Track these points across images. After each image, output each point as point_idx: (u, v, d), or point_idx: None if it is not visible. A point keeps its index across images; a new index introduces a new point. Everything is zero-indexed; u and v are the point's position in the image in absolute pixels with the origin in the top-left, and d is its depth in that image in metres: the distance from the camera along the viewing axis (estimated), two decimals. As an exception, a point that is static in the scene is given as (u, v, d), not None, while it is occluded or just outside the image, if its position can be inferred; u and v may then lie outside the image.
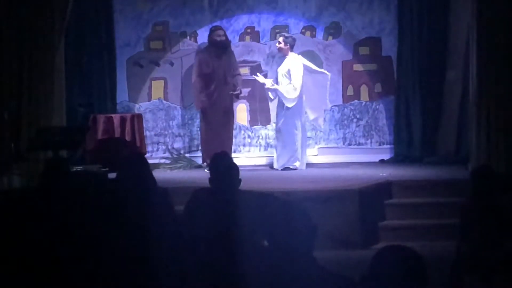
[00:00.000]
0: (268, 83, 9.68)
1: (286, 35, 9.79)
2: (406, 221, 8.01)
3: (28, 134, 8.45)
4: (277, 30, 10.59)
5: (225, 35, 9.86)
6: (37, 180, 5.04)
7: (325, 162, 10.45)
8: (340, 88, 10.79)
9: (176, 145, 10.69)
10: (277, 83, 9.63)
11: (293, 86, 9.43)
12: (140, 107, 10.76)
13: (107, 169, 8.38)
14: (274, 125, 10.17)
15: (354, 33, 10.75)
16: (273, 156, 9.91)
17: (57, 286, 4.17)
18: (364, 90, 10.80)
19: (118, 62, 10.65)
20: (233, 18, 10.76)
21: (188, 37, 10.76)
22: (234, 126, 10.24)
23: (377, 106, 10.78)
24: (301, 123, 9.62)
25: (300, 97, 9.53)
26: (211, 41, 9.71)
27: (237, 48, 10.64)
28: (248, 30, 10.81)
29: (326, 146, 10.77)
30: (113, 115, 9.78)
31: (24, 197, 5.08)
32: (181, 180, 8.78)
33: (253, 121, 10.83)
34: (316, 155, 10.66)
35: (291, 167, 9.58)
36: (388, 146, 10.74)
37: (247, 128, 10.83)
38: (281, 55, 9.81)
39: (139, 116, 10.02)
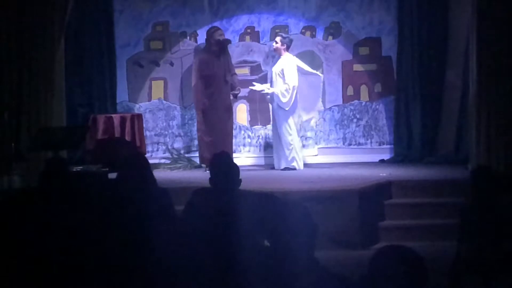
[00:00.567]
0: (265, 88, 9.71)
1: (284, 35, 9.82)
2: (406, 221, 8.01)
3: (28, 134, 8.45)
4: (277, 30, 10.59)
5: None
6: (37, 180, 5.02)
7: (325, 162, 10.45)
8: (340, 88, 10.79)
9: (176, 145, 10.70)
10: (271, 82, 9.68)
11: (287, 86, 9.46)
12: (140, 107, 10.77)
13: (107, 169, 8.38)
14: (273, 125, 10.19)
15: (354, 33, 10.75)
16: (273, 156, 9.92)
17: (57, 286, 4.17)
18: (364, 90, 10.80)
19: (118, 62, 10.67)
20: (233, 18, 10.77)
21: (188, 37, 10.77)
22: (234, 126, 10.24)
23: (377, 106, 10.78)
24: (295, 124, 9.63)
25: (294, 98, 9.55)
26: (213, 41, 9.65)
27: (237, 48, 10.66)
28: (248, 30, 10.82)
29: (326, 146, 10.78)
30: (113, 115, 9.78)
31: (24, 197, 5.07)
32: (181, 180, 8.78)
33: (253, 121, 10.84)
34: (316, 155, 10.67)
35: (290, 167, 9.59)
36: (388, 146, 10.74)
37: (247, 128, 10.83)
38: (277, 54, 9.85)
39: (139, 116, 10.02)
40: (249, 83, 10.14)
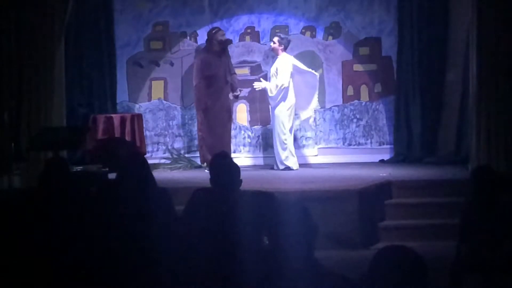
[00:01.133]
0: (265, 83, 9.72)
1: (282, 36, 9.83)
2: (406, 221, 8.01)
3: (28, 134, 8.45)
4: (277, 31, 10.58)
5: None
6: (37, 180, 5.02)
7: (325, 162, 10.46)
8: (340, 88, 10.79)
9: (176, 145, 10.70)
10: (269, 81, 9.72)
11: (277, 83, 9.47)
12: (140, 107, 10.77)
13: (107, 169, 8.38)
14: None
15: (354, 33, 10.75)
16: (273, 156, 9.92)
17: (57, 286, 4.18)
18: (364, 90, 10.80)
19: (118, 62, 10.66)
20: (233, 18, 10.76)
21: (188, 37, 10.76)
22: (234, 126, 10.23)
23: (377, 106, 10.78)
24: (290, 124, 9.62)
25: (286, 97, 9.54)
26: (215, 42, 9.64)
27: (237, 48, 10.66)
28: (248, 30, 10.81)
29: (326, 146, 10.77)
30: (113, 115, 9.78)
31: (24, 197, 5.07)
32: (181, 180, 8.78)
33: (253, 121, 10.84)
34: (316, 155, 10.67)
35: (286, 166, 9.59)
36: (388, 146, 10.74)
37: (247, 128, 10.83)
38: (274, 54, 9.87)
39: (139, 116, 10.02)
40: (249, 83, 10.14)
